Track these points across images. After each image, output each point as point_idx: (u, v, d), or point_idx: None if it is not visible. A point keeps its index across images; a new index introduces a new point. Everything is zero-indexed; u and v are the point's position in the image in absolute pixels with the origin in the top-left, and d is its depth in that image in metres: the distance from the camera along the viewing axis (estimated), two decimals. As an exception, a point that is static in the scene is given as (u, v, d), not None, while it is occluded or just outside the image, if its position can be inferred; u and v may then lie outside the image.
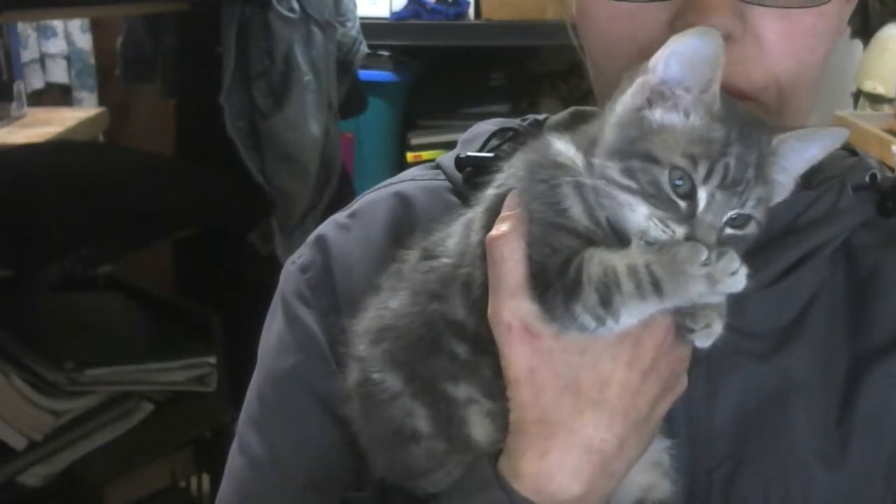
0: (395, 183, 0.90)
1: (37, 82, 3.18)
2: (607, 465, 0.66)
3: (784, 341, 0.77)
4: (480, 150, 0.86)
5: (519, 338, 0.65)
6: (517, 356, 0.66)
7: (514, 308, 0.65)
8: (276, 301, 0.88)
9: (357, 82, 2.56)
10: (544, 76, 3.26)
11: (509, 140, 0.86)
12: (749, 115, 0.66)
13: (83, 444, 1.86)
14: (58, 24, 3.18)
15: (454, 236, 0.72)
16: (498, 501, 0.65)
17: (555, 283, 0.64)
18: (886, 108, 2.46)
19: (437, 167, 0.89)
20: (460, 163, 0.85)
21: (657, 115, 0.64)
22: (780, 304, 0.78)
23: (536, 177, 0.67)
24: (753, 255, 0.77)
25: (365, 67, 2.66)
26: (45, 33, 3.20)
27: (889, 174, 0.85)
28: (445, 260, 0.71)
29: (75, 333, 1.98)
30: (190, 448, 2.05)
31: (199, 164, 2.32)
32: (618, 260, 0.62)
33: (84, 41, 3.26)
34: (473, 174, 0.81)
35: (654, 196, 0.63)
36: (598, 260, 0.62)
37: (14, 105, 2.63)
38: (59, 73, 3.24)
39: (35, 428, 1.79)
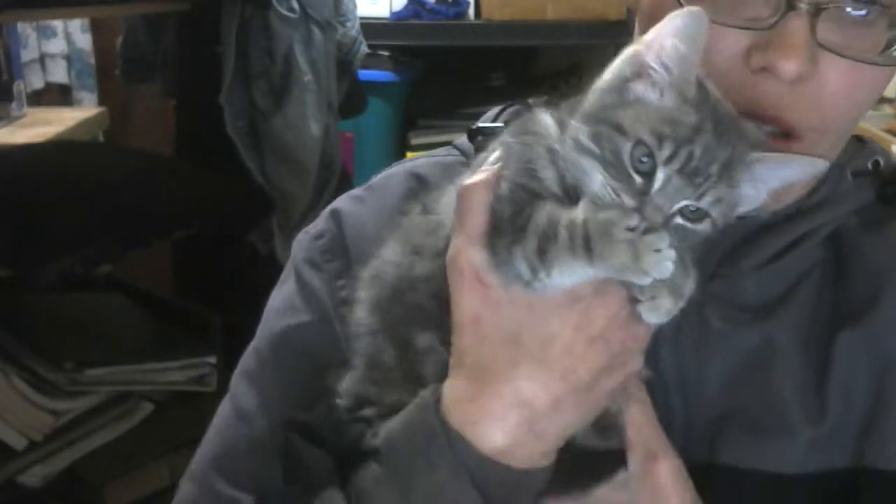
0: (410, 161, 0.93)
1: (37, 82, 3.18)
2: (535, 422, 0.66)
3: (771, 311, 0.80)
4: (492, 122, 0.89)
5: (469, 284, 0.66)
6: (465, 302, 0.67)
7: (469, 255, 0.66)
8: (287, 268, 0.90)
9: (357, 82, 2.55)
10: (544, 76, 3.26)
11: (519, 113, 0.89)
12: (731, 116, 0.66)
13: (83, 444, 1.86)
14: (58, 24, 3.18)
15: (447, 195, 0.74)
16: (438, 440, 0.66)
17: (505, 229, 0.64)
18: (886, 108, 2.46)
19: (453, 147, 0.93)
20: (471, 134, 0.89)
21: (638, 88, 0.66)
22: (772, 280, 0.81)
23: (518, 141, 0.69)
24: (752, 237, 0.80)
25: (365, 67, 2.66)
26: (45, 33, 3.20)
27: (893, 160, 0.87)
28: (433, 217, 0.73)
29: (75, 333, 1.97)
30: (190, 448, 2.04)
31: (199, 164, 2.32)
32: (563, 213, 0.62)
33: (84, 41, 3.26)
34: (484, 143, 0.83)
35: (612, 165, 0.63)
36: (546, 210, 0.63)
37: (14, 105, 2.63)
38: (59, 73, 3.24)
39: (35, 428, 1.79)
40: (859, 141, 0.88)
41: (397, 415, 0.69)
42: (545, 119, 0.69)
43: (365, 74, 2.71)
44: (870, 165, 0.85)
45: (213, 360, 2.01)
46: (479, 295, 0.66)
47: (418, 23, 2.97)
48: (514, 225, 0.64)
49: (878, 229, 0.83)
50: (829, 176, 0.82)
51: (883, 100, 2.49)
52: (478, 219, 0.66)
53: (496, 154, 0.69)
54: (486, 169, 0.68)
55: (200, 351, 2.02)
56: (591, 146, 0.64)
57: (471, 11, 3.01)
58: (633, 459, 0.71)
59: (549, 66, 3.28)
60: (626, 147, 0.63)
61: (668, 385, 0.77)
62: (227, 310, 2.12)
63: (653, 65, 0.65)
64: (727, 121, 0.65)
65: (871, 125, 2.27)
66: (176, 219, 2.15)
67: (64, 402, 1.82)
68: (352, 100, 2.53)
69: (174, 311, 2.18)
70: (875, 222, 0.83)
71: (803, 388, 0.78)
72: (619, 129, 0.64)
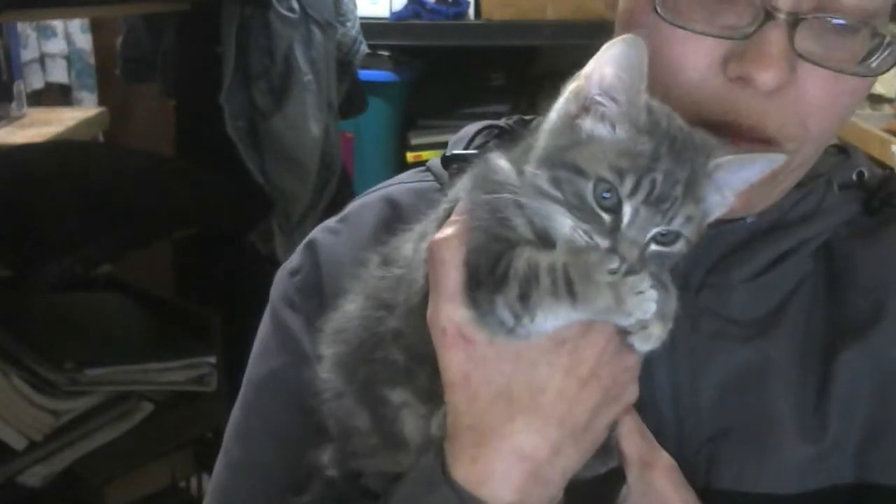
0: (385, 187, 0.91)
1: (37, 82, 3.17)
2: (540, 472, 0.65)
3: (764, 328, 0.79)
4: (466, 148, 0.87)
5: (454, 342, 0.65)
6: (452, 361, 0.66)
7: (449, 313, 0.65)
8: (267, 308, 0.89)
9: (357, 82, 2.55)
10: (544, 76, 3.26)
11: (495, 137, 0.87)
12: (683, 131, 0.65)
13: (83, 444, 1.86)
14: (58, 24, 3.18)
15: (408, 244, 0.73)
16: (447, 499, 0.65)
17: (485, 280, 0.64)
18: (886, 108, 2.46)
19: (427, 170, 0.90)
20: (446, 161, 0.87)
21: (588, 124, 0.64)
22: (763, 294, 0.80)
23: (481, 189, 0.67)
24: (739, 248, 0.79)
25: (365, 67, 2.66)
26: (45, 33, 3.19)
27: (878, 171, 0.86)
28: (397, 270, 0.72)
29: (75, 333, 1.97)
30: (190, 448, 2.05)
31: (199, 164, 2.32)
32: (543, 258, 0.62)
33: (84, 41, 3.26)
34: (458, 171, 0.82)
35: (577, 208, 0.62)
36: (526, 256, 0.62)
37: (14, 105, 2.63)
38: (59, 73, 3.24)
39: (35, 428, 1.79)
40: (842, 152, 0.86)
41: (400, 484, 0.68)
42: (503, 165, 0.67)
43: (365, 74, 2.71)
44: (854, 177, 0.84)
45: (213, 360, 2.01)
46: (465, 352, 0.65)
47: (418, 23, 2.97)
48: (493, 274, 0.63)
49: (870, 240, 0.82)
50: (816, 188, 0.81)
51: (883, 100, 2.49)
52: (453, 275, 0.65)
53: (460, 206, 0.68)
54: (453, 222, 0.67)
55: (200, 351, 2.02)
56: (553, 191, 0.63)
57: (471, 11, 3.02)
58: (631, 472, 0.70)
59: (549, 66, 3.27)
60: (588, 187, 0.62)
61: (662, 404, 0.77)
62: (227, 310, 2.12)
63: (598, 98, 0.64)
64: (682, 137, 0.64)
65: (871, 125, 2.26)
66: (176, 219, 2.16)
67: (64, 402, 1.82)
68: (352, 100, 2.53)
69: (174, 311, 2.18)
70: (866, 233, 0.82)
71: (801, 404, 0.76)
72: (577, 171, 0.62)
